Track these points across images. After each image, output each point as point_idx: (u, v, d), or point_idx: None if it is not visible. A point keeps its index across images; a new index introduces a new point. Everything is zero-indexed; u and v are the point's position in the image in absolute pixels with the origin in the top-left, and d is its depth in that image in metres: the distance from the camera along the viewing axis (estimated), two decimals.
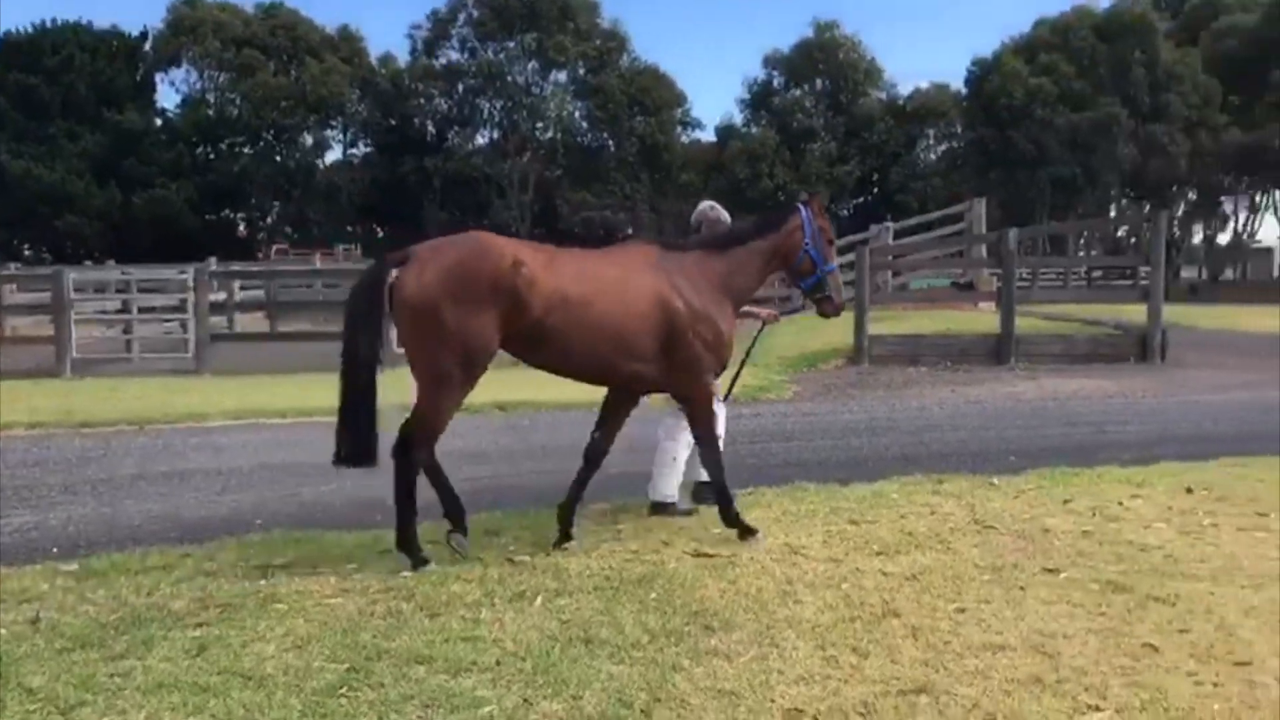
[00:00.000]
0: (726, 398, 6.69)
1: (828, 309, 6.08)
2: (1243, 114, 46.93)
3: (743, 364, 6.87)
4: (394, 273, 5.05)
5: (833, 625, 4.32)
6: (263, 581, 4.96)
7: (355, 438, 5.10)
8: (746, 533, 5.63)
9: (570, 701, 3.59)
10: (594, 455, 5.77)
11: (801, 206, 5.93)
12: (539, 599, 4.66)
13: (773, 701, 3.60)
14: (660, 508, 6.30)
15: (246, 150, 56.29)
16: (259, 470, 8.01)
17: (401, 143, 55.78)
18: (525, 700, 3.60)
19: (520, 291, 5.02)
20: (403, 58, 57.64)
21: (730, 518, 5.69)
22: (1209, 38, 49.47)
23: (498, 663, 3.92)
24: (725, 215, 6.66)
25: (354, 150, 60.01)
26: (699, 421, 5.70)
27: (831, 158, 53.24)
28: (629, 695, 3.63)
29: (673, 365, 5.46)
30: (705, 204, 6.78)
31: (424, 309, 4.97)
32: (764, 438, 9.44)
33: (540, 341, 5.23)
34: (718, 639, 4.17)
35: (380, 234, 59.47)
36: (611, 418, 5.81)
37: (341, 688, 3.71)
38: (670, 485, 6.32)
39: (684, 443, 6.25)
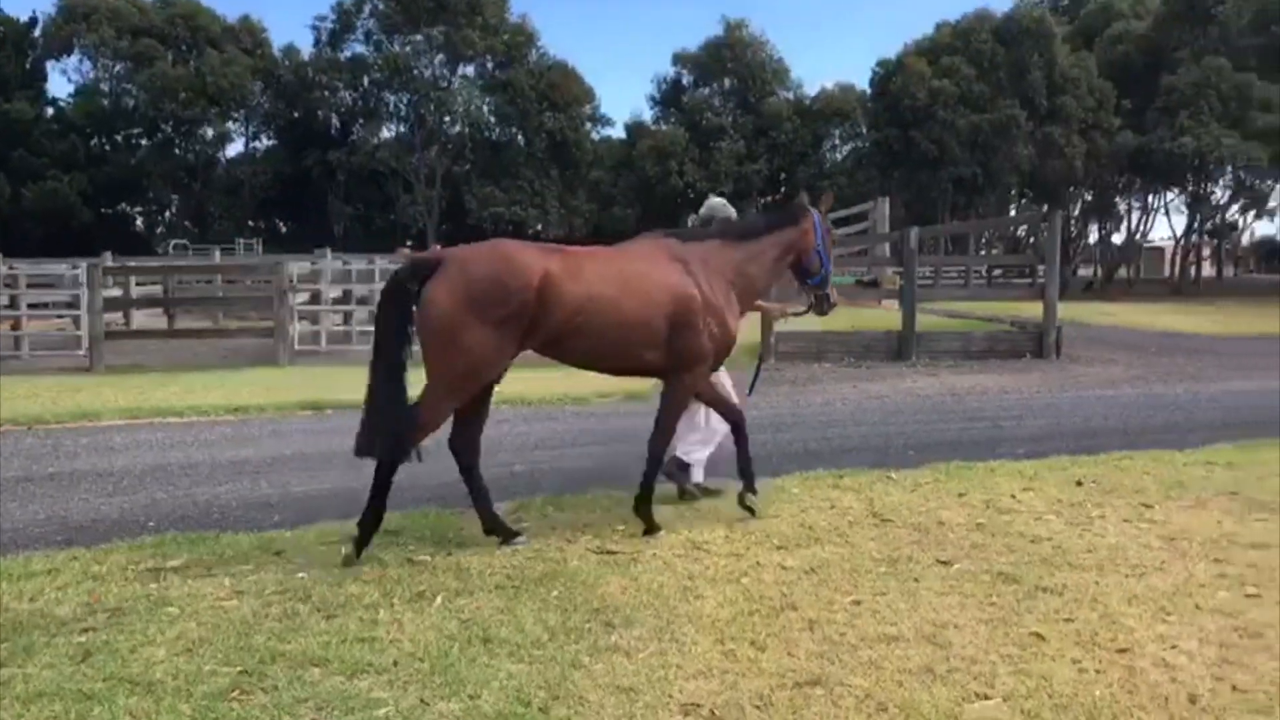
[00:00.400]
0: (751, 392, 6.93)
1: (824, 308, 6.41)
2: (1135, 117, 48.33)
3: (760, 363, 7.12)
4: (420, 280, 5.17)
5: (732, 619, 4.37)
6: (154, 585, 4.85)
7: (392, 433, 5.12)
8: (651, 529, 5.71)
9: (468, 701, 3.58)
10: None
11: (813, 210, 6.15)
12: (439, 599, 4.63)
13: (671, 696, 3.62)
14: (681, 468, 6.57)
15: (144, 142, 54.65)
16: (153, 471, 7.80)
17: (305, 136, 54.72)
18: (422, 701, 3.58)
19: (547, 301, 5.18)
20: (306, 50, 56.57)
21: (644, 511, 5.77)
22: (1103, 43, 50.91)
23: (395, 663, 3.89)
24: (733, 211, 6.88)
25: (256, 143, 58.69)
26: (671, 409, 5.82)
27: (740, 156, 53.54)
28: (527, 693, 3.62)
29: (675, 350, 5.59)
30: (717, 200, 6.90)
31: (450, 323, 5.08)
32: None
33: (566, 340, 5.38)
34: (618, 635, 4.18)
35: (284, 229, 58.29)
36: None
37: (233, 691, 3.64)
38: (701, 453, 6.61)
39: (719, 431, 6.50)
